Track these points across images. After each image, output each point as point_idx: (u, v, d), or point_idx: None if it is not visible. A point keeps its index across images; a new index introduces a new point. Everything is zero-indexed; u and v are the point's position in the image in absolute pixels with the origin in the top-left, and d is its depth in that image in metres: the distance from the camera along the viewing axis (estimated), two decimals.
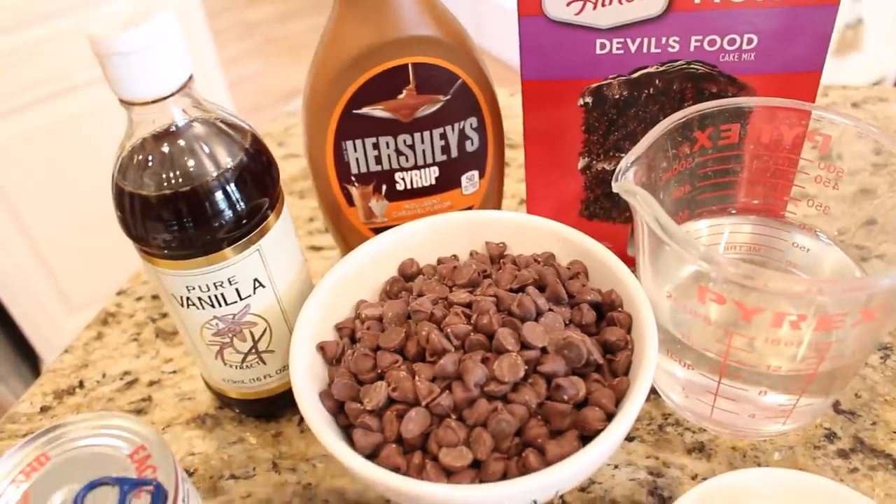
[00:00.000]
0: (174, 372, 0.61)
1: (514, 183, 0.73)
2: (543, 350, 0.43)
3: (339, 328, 0.49)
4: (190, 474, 0.53)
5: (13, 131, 1.44)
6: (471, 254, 0.53)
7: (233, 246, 0.46)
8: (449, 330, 0.44)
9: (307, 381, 0.45)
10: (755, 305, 0.40)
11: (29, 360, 1.74)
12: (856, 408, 0.52)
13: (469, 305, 0.46)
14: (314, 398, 0.44)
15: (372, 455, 0.42)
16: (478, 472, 0.41)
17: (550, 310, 0.46)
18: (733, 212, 0.54)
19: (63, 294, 1.64)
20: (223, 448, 0.55)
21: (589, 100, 0.53)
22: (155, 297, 0.68)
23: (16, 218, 1.50)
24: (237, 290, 0.47)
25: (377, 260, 0.52)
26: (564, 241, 0.51)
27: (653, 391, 0.54)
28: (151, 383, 0.60)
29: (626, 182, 0.44)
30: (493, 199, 0.61)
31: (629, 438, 0.52)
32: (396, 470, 0.40)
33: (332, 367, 0.47)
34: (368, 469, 0.40)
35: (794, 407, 0.47)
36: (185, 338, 0.51)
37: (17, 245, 1.53)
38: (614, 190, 0.45)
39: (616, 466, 0.50)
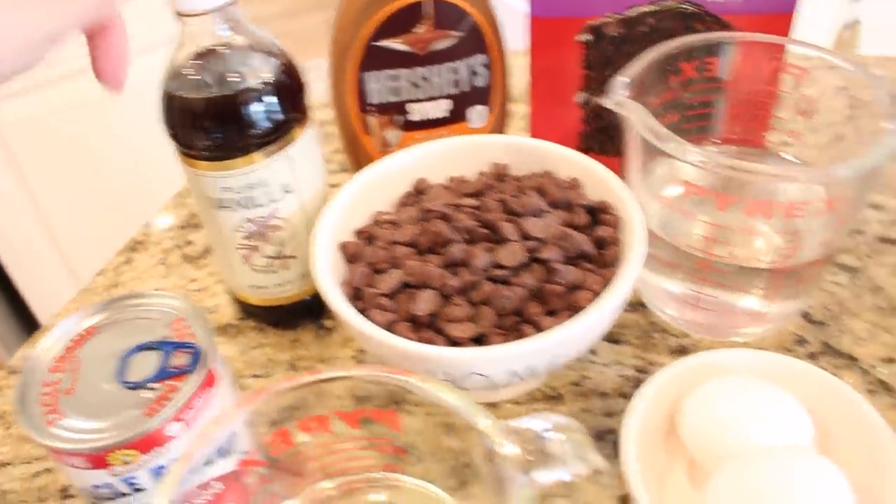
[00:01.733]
0: (199, 290, 0.66)
1: (514, 132, 0.78)
2: (542, 241, 0.49)
3: (358, 232, 0.54)
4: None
5: (30, 108, 1.49)
6: (479, 174, 0.58)
7: (263, 150, 0.51)
8: (458, 224, 0.49)
9: (327, 272, 0.50)
10: (732, 194, 0.46)
11: (31, 331, 1.78)
12: (825, 318, 0.57)
13: (477, 208, 0.51)
14: (335, 286, 0.49)
15: (389, 331, 0.47)
16: (480, 346, 0.46)
17: (549, 211, 0.51)
18: (717, 141, 0.59)
19: (70, 268, 1.69)
20: (245, 352, 0.60)
21: (589, 37, 0.58)
22: (182, 227, 0.73)
23: (27, 191, 1.55)
24: (267, 192, 0.52)
25: (393, 176, 0.57)
26: (563, 159, 0.56)
27: (641, 304, 0.59)
28: None
29: (618, 96, 0.49)
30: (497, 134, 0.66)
31: (617, 341, 0.57)
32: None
33: (351, 265, 0.52)
34: (386, 337, 0.45)
35: (768, 309, 0.52)
36: (217, 244, 0.56)
37: (27, 218, 1.58)
38: (607, 105, 0.50)
39: (605, 365, 0.55)
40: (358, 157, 0.65)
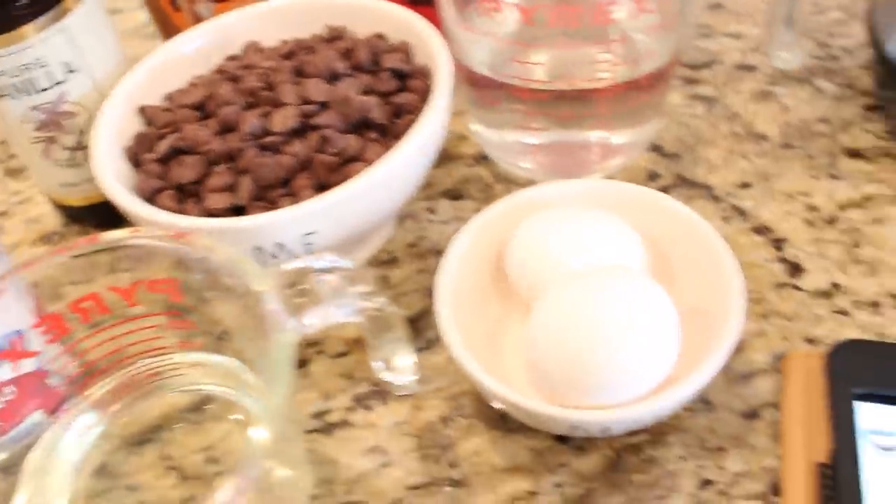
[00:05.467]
0: (21, 202, 0.61)
1: None
2: (324, 105, 0.44)
3: (168, 96, 0.50)
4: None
5: None
6: (311, 36, 0.52)
7: (32, 23, 0.45)
8: (241, 86, 0.45)
9: (110, 136, 0.46)
10: (532, 4, 0.41)
11: None
12: (679, 150, 0.54)
13: (272, 70, 0.46)
14: (113, 151, 0.45)
15: (151, 200, 0.43)
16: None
17: (350, 75, 0.46)
18: None
19: None
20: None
21: None
22: (3, 142, 0.68)
23: None
24: (47, 73, 0.47)
25: (222, 40, 0.52)
26: (396, 20, 0.50)
27: (484, 157, 0.55)
28: None
29: None
30: None
31: (458, 197, 0.53)
32: (168, 211, 0.42)
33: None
34: (130, 205, 0.42)
35: (613, 139, 0.48)
36: (13, 143, 0.51)
37: None
38: None
39: (444, 222, 0.51)
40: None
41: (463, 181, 0.54)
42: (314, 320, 0.33)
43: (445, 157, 0.55)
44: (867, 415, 0.38)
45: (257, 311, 0.33)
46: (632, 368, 0.35)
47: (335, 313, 0.34)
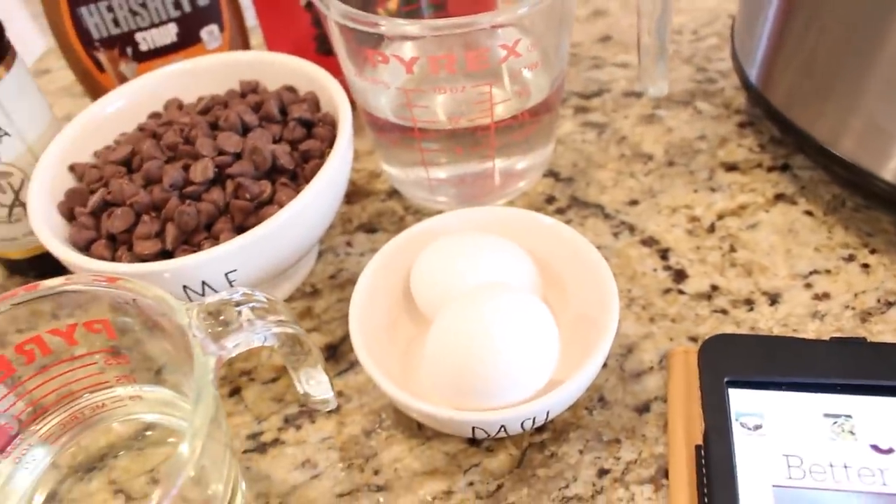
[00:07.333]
0: None
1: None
2: (238, 156, 0.48)
3: (95, 153, 0.53)
4: None
5: None
6: (227, 91, 0.56)
7: None
8: (162, 142, 0.49)
9: (44, 194, 0.49)
10: (412, 55, 0.46)
11: None
12: (573, 174, 0.59)
13: (187, 125, 0.51)
14: (48, 207, 0.48)
15: (86, 249, 0.47)
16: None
17: (261, 126, 0.51)
18: None
19: None
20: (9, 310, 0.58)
21: None
22: None
23: None
24: None
25: (145, 98, 0.56)
26: (302, 73, 0.55)
27: (397, 192, 0.59)
28: None
29: None
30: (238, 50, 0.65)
31: (373, 230, 0.57)
32: (102, 259, 0.46)
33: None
34: (64, 254, 0.45)
35: (494, 166, 0.52)
36: None
37: None
38: None
39: (361, 255, 0.56)
40: (98, 97, 0.63)
41: (377, 215, 0.58)
42: (234, 345, 0.37)
43: (360, 194, 0.59)
44: (737, 399, 0.42)
45: (182, 341, 0.37)
46: (513, 373, 0.39)
47: (253, 338, 0.38)
